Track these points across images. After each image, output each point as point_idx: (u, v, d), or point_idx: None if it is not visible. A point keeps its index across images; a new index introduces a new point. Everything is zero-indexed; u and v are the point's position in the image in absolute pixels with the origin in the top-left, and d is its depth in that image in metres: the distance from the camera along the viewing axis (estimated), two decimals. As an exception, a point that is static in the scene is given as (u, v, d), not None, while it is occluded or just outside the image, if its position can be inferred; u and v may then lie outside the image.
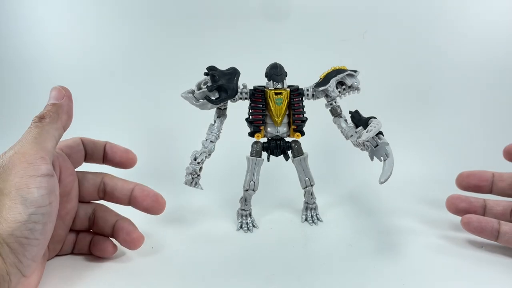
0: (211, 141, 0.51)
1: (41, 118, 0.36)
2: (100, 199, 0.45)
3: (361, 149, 0.48)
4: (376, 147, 0.45)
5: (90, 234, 0.45)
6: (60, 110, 0.38)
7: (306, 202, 0.55)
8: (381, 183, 0.45)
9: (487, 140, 0.49)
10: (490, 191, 0.48)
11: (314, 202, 0.55)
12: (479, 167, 0.49)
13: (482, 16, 0.80)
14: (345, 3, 0.81)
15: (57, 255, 0.44)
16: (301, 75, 0.52)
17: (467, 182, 0.49)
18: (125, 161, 0.46)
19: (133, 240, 0.43)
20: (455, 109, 0.80)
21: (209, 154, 0.51)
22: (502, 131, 0.73)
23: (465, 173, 0.49)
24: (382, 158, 0.45)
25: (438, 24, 0.81)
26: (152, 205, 0.44)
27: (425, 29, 0.81)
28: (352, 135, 0.49)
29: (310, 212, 0.55)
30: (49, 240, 0.36)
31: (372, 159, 0.46)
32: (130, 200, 0.44)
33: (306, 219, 0.55)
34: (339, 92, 0.50)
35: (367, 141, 0.46)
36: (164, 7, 0.83)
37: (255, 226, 0.53)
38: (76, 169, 0.43)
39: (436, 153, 0.75)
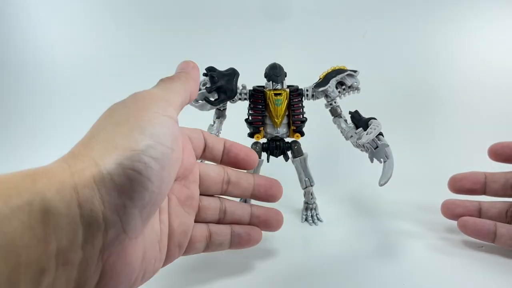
0: (210, 142, 0.51)
1: (169, 78, 0.33)
2: (223, 192, 0.40)
3: (361, 150, 0.48)
4: (376, 149, 0.45)
5: (228, 226, 0.39)
6: (188, 75, 0.34)
7: (306, 202, 0.55)
8: (381, 185, 0.45)
9: (487, 140, 0.49)
10: (484, 192, 0.48)
11: (314, 202, 0.55)
12: (478, 168, 0.49)
13: (483, 18, 0.80)
14: (345, 3, 0.81)
15: (187, 254, 0.37)
16: (301, 75, 0.52)
17: (460, 186, 0.48)
18: (247, 161, 0.40)
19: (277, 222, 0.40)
20: (454, 110, 0.80)
21: (209, 155, 0.51)
22: (501, 132, 0.73)
23: (457, 176, 0.49)
24: (382, 160, 0.45)
25: (437, 24, 0.81)
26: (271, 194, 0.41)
27: (425, 29, 0.81)
28: (352, 136, 0.49)
29: (310, 212, 0.55)
30: (172, 230, 0.32)
31: (372, 160, 0.46)
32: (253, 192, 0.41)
33: (306, 219, 0.55)
34: (339, 92, 0.50)
35: (367, 142, 0.46)
36: (164, 7, 0.83)
37: (255, 226, 0.53)
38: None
39: (436, 153, 0.75)
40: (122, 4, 0.84)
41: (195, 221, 0.37)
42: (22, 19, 0.84)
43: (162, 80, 0.33)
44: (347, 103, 0.51)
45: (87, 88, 0.84)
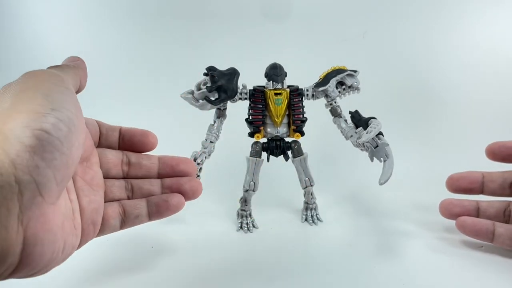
0: (210, 142, 0.51)
1: (56, 66, 0.32)
2: (124, 174, 0.39)
3: (361, 149, 0.48)
4: (376, 148, 0.46)
5: (143, 199, 0.38)
6: (76, 64, 0.34)
7: (306, 202, 0.55)
8: (381, 184, 0.45)
9: (485, 140, 0.49)
10: (481, 191, 0.48)
11: (314, 202, 0.55)
12: (476, 167, 0.49)
13: (483, 19, 0.80)
14: (345, 3, 0.81)
15: (103, 234, 0.36)
16: (301, 75, 0.52)
17: (458, 185, 0.48)
18: (144, 142, 0.39)
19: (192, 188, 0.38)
20: (453, 109, 0.80)
21: (209, 155, 0.51)
22: (499, 131, 0.73)
23: (455, 176, 0.49)
24: (382, 159, 0.45)
25: (437, 24, 0.81)
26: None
27: (425, 29, 0.81)
28: (352, 136, 0.49)
29: (310, 212, 0.55)
30: (83, 208, 0.31)
31: (372, 160, 0.46)
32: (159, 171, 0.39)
33: (306, 219, 0.55)
34: (339, 92, 0.50)
35: (367, 142, 0.46)
36: (164, 7, 0.83)
37: (255, 226, 0.53)
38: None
39: (435, 153, 0.75)
40: (123, 4, 0.84)
41: (106, 201, 0.36)
42: (24, 20, 0.84)
43: (50, 67, 0.32)
44: (347, 103, 0.51)
45: (88, 89, 0.84)
